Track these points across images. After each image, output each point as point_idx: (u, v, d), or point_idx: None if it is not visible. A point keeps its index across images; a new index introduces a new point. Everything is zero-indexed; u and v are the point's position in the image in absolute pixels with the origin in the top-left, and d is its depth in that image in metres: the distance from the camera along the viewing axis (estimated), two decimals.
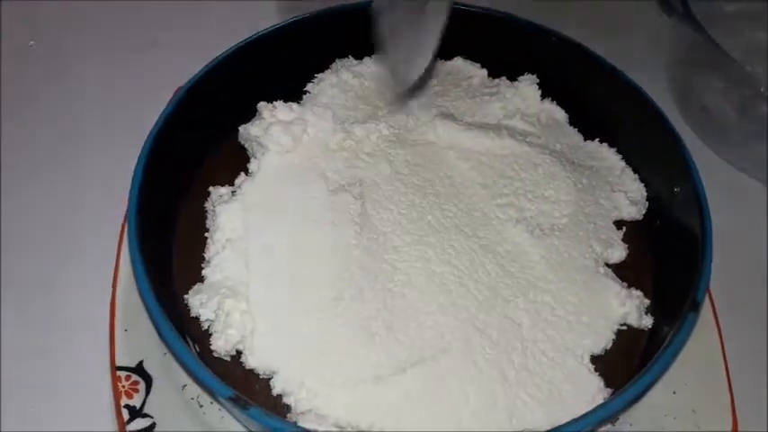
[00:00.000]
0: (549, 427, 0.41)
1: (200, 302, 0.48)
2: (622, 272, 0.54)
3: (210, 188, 0.56)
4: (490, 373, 0.46)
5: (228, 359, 0.48)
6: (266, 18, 0.62)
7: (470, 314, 0.49)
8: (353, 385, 0.46)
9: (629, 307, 0.51)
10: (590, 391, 0.47)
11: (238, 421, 0.49)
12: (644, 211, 0.57)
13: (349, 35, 0.62)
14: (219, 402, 0.49)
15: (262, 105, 0.58)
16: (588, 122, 0.62)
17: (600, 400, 0.46)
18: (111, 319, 0.52)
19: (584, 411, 0.43)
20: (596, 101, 0.62)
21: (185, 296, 0.50)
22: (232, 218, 0.52)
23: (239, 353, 0.48)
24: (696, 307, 0.46)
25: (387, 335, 0.47)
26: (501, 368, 0.47)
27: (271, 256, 0.50)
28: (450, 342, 0.47)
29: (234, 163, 0.58)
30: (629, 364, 0.50)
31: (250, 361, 0.46)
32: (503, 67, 0.65)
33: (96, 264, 0.58)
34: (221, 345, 0.46)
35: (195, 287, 0.50)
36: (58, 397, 0.54)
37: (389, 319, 0.48)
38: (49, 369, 0.56)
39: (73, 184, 0.67)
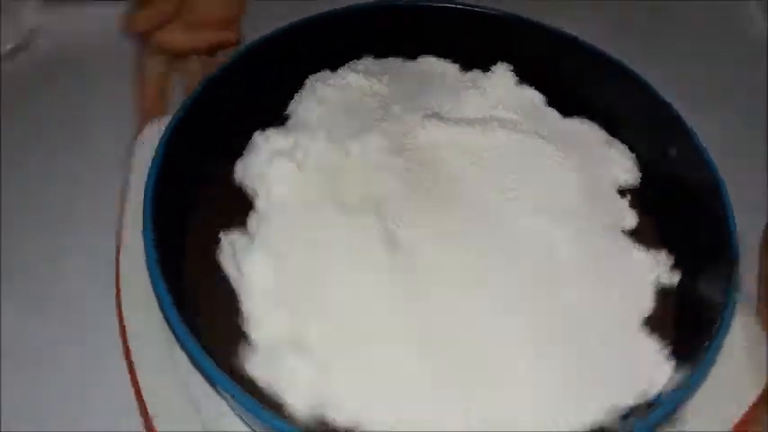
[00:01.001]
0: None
1: (256, 365, 0.44)
2: (636, 238, 0.55)
3: (221, 234, 0.51)
4: (545, 377, 0.45)
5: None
6: None
7: (514, 321, 0.48)
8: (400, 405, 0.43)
9: (657, 268, 0.52)
10: (651, 359, 0.47)
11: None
12: (640, 177, 0.59)
13: (317, 48, 0.59)
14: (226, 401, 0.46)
15: (257, 135, 0.54)
16: (565, 101, 0.63)
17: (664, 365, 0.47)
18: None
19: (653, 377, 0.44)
20: (569, 76, 0.62)
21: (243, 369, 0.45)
22: (259, 268, 0.48)
23: None
24: (734, 261, 0.47)
25: (432, 354, 0.46)
26: (556, 368, 0.46)
27: (310, 300, 0.47)
28: (499, 352, 0.46)
29: (227, 201, 0.53)
30: (665, 330, 0.50)
31: (330, 412, 0.43)
32: (472, 59, 0.64)
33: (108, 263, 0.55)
34: (300, 402, 0.43)
35: (244, 350, 0.46)
36: (71, 397, 0.55)
37: (431, 338, 0.46)
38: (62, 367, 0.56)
39: (81, 190, 0.67)
